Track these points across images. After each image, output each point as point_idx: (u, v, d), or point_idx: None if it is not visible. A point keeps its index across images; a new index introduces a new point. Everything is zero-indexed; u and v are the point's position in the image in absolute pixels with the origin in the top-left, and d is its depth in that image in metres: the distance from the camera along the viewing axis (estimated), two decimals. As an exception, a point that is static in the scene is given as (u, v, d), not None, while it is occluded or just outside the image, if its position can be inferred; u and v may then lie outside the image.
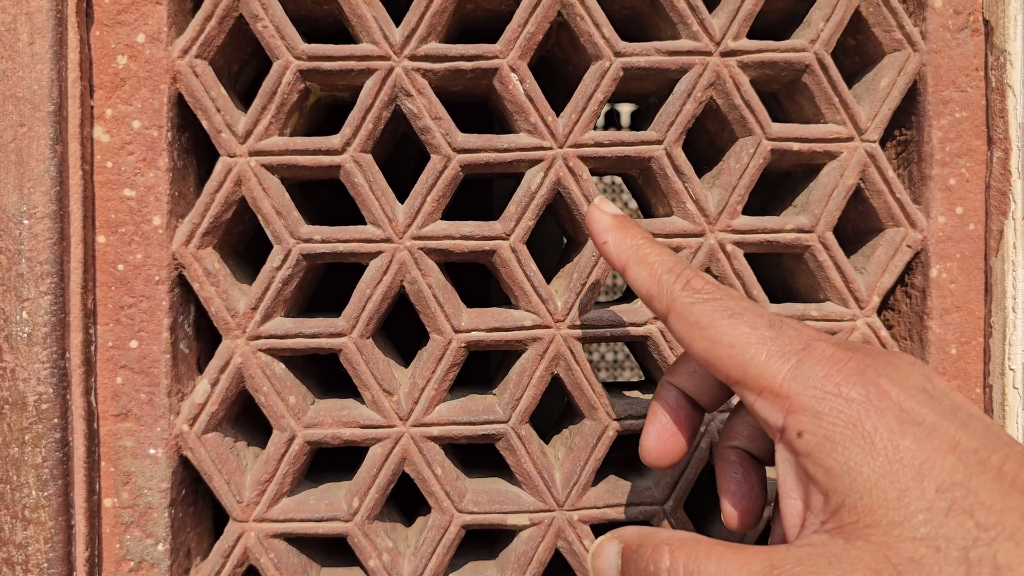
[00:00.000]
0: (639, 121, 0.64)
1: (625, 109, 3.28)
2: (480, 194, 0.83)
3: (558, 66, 0.59)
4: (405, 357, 0.59)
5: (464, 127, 0.52)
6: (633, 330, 0.52)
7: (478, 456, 0.62)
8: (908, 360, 0.34)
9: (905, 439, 0.30)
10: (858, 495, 0.30)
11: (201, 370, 0.54)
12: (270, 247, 0.51)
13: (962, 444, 0.30)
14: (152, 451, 0.49)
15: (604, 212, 0.42)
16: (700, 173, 0.56)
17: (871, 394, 0.31)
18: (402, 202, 0.51)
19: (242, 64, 0.56)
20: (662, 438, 0.41)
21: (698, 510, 0.57)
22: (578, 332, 0.51)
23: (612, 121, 3.30)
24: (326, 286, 0.66)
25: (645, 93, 0.58)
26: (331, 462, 0.59)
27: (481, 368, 0.75)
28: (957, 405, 0.32)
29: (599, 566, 0.38)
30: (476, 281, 0.77)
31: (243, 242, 0.57)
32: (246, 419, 0.56)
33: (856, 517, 0.30)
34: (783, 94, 0.56)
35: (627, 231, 0.41)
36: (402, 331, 0.66)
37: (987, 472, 0.29)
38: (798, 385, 0.33)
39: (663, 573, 0.34)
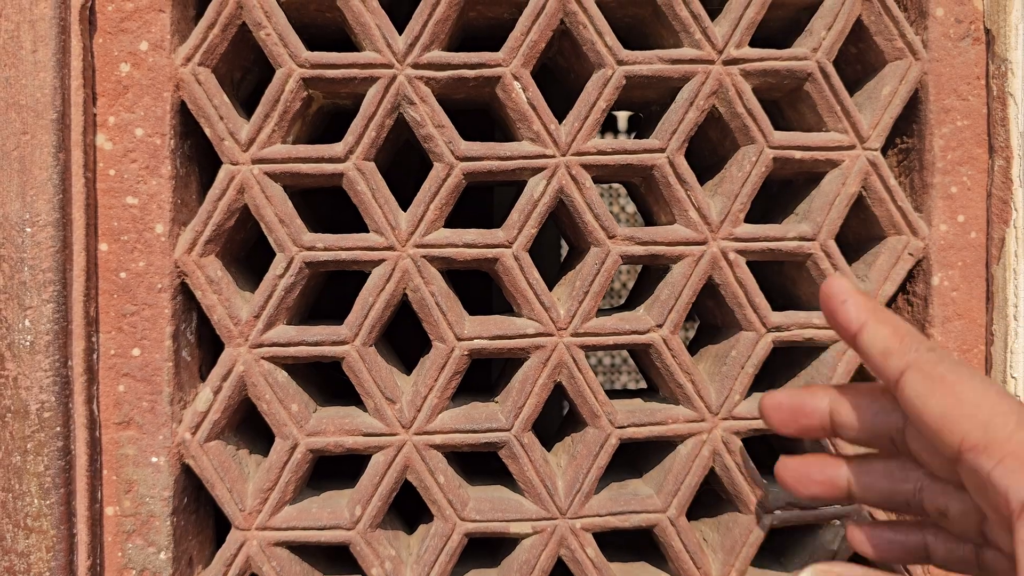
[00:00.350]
0: (635, 124, 0.64)
1: (622, 114, 3.29)
2: (481, 200, 0.83)
3: (560, 74, 0.59)
4: (404, 361, 0.59)
5: (465, 134, 0.52)
6: (636, 338, 0.52)
7: (479, 463, 0.62)
8: None
9: None
10: None
11: (203, 377, 0.54)
12: (272, 254, 0.51)
13: None
14: (154, 459, 0.49)
15: (844, 281, 0.42)
16: (702, 181, 0.56)
17: None
18: (404, 209, 0.51)
19: (244, 72, 0.56)
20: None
21: (701, 516, 0.57)
22: (581, 340, 0.51)
23: (609, 126, 3.30)
24: (329, 293, 0.66)
25: (647, 101, 0.58)
26: (332, 469, 0.59)
27: (482, 375, 0.75)
28: None
29: None
30: (477, 286, 0.77)
31: (245, 249, 0.57)
32: (248, 427, 0.56)
33: None
34: (785, 102, 0.56)
35: (866, 296, 0.41)
36: (402, 336, 0.66)
37: None
38: None
39: None
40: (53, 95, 0.47)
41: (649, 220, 0.57)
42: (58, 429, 0.47)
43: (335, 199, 0.60)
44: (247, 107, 0.56)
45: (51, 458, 0.47)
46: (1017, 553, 0.32)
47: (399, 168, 0.69)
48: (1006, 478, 0.32)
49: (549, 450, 0.55)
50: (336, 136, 0.52)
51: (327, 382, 0.62)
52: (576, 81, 0.56)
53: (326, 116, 0.58)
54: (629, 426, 0.52)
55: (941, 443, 0.35)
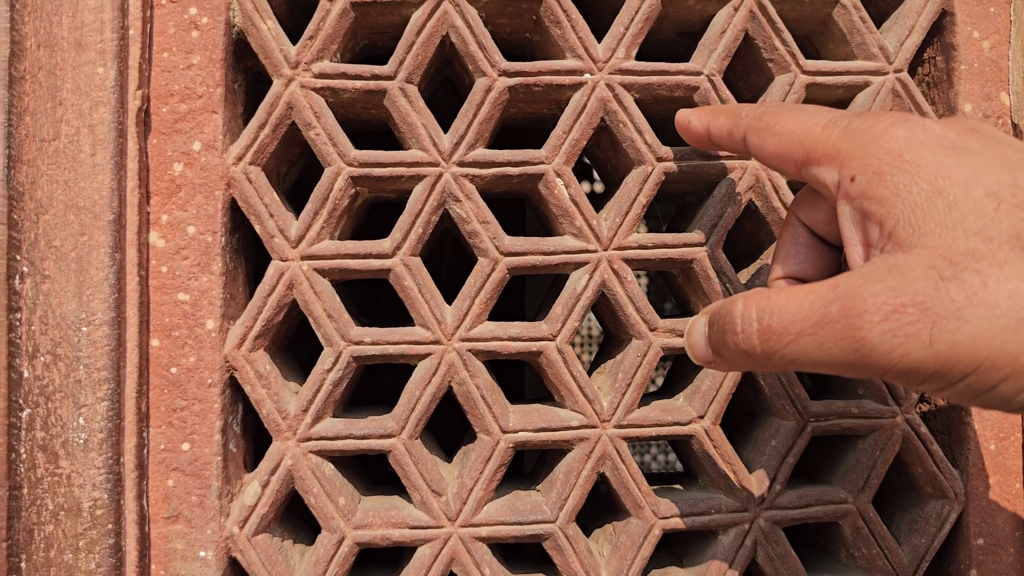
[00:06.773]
0: (667, 207, 0.65)
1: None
2: (513, 282, 0.84)
3: (596, 165, 0.61)
4: (436, 434, 0.59)
5: (499, 216, 0.53)
6: (678, 429, 0.52)
7: (514, 545, 0.62)
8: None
9: (948, 158, 0.33)
10: (910, 211, 0.33)
11: (248, 467, 0.54)
12: (313, 338, 0.52)
13: (1010, 157, 0.33)
14: (202, 554, 0.50)
15: (687, 110, 0.48)
16: (737, 267, 0.57)
17: (915, 130, 0.34)
18: (448, 301, 0.52)
19: (290, 165, 0.57)
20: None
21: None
22: (624, 432, 0.52)
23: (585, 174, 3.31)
24: (367, 374, 0.66)
25: (683, 192, 0.59)
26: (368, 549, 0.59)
27: (516, 456, 0.75)
28: (1005, 138, 0.34)
29: (692, 341, 0.42)
30: (510, 370, 0.77)
31: (288, 338, 0.58)
32: (290, 515, 0.56)
33: (911, 230, 0.32)
34: (817, 192, 0.58)
35: (706, 107, 0.48)
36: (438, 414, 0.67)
37: None
38: (847, 141, 0.36)
39: (736, 317, 0.37)
40: (110, 197, 0.48)
41: (686, 310, 0.58)
42: (110, 526, 0.47)
43: (373, 283, 0.61)
44: (290, 196, 0.58)
45: (102, 555, 0.47)
46: (841, 229, 0.37)
47: (434, 252, 0.70)
48: (823, 174, 0.37)
49: (580, 523, 0.55)
50: (377, 223, 0.52)
51: (368, 468, 0.63)
52: (614, 173, 0.58)
53: (368, 207, 0.59)
54: (672, 517, 0.52)
55: (787, 173, 0.40)
